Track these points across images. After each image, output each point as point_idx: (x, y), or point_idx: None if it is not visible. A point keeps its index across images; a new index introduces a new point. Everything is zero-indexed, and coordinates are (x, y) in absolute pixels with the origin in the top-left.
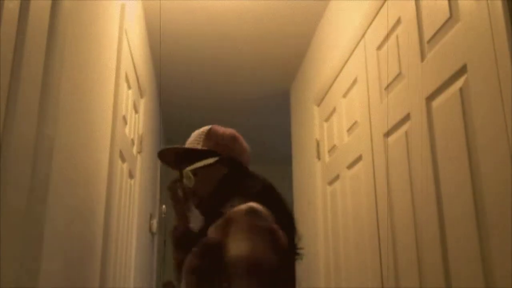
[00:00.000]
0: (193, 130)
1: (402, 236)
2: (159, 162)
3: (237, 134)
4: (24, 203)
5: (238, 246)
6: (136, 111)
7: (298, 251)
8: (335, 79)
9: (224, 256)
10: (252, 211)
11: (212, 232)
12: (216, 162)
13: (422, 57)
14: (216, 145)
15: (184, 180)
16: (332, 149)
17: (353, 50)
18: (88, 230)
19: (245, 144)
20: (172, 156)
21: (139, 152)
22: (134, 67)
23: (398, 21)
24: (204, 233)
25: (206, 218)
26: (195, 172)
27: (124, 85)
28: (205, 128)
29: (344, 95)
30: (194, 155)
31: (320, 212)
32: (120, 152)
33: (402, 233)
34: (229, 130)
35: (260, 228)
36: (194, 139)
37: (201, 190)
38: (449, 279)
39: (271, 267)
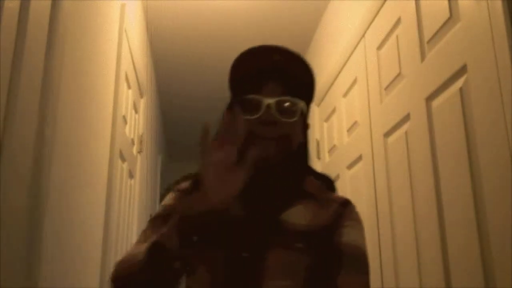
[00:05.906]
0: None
1: (402, 236)
2: (159, 162)
3: None
4: (24, 203)
5: (363, 244)
6: (136, 111)
7: None
8: (335, 79)
9: (346, 250)
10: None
11: (316, 220)
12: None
13: (422, 57)
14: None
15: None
16: (332, 149)
17: (353, 50)
18: (88, 230)
19: None
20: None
21: (139, 152)
22: (134, 67)
23: (398, 21)
24: (277, 212)
25: (278, 190)
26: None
27: (124, 85)
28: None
29: (344, 95)
30: (310, 94)
31: None
32: (120, 152)
33: (402, 233)
34: None
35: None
36: (311, 74)
37: (294, 146)
38: (449, 279)
39: None
